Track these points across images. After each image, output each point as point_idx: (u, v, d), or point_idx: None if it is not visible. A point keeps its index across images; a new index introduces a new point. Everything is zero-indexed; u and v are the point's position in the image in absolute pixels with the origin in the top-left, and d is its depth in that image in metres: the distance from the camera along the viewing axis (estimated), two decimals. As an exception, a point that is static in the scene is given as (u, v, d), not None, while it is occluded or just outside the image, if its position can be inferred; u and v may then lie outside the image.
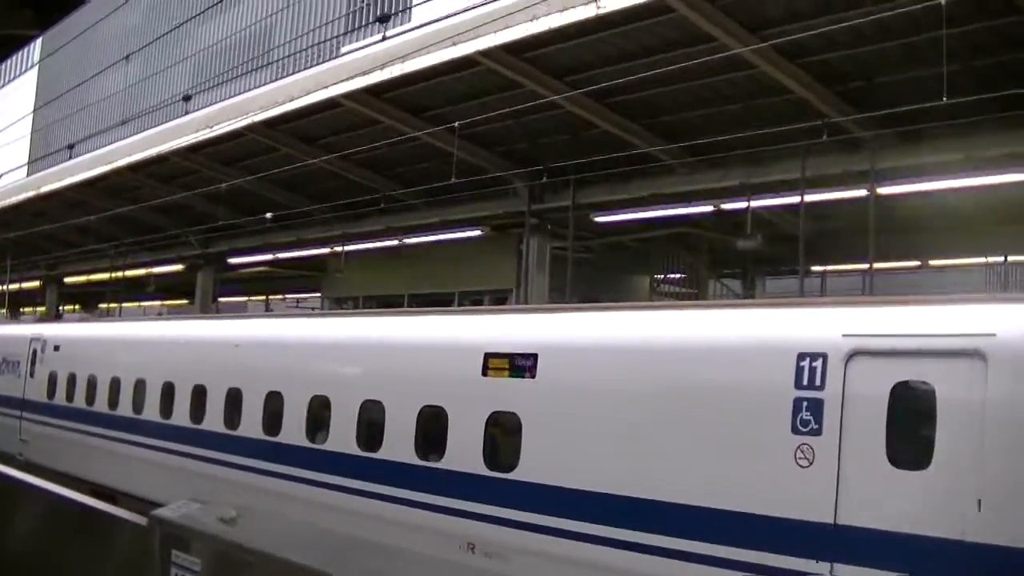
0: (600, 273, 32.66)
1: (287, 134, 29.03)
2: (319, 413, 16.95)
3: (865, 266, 26.44)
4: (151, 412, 21.80)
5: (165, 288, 48.46)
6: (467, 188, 26.54)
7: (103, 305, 52.65)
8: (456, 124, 23.28)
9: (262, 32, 57.28)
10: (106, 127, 48.44)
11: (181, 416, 20.66)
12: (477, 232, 30.68)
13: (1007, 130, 19.61)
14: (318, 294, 42.15)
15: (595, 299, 26.67)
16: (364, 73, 23.95)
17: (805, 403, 10.78)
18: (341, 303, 37.50)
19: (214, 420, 19.54)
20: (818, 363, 10.81)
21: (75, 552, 11.11)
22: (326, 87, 25.12)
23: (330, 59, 29.01)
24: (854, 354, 10.64)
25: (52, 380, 26.43)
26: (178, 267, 42.66)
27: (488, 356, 14.15)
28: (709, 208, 26.71)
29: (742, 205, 24.97)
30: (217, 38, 65.24)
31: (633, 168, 25.13)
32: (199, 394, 20.24)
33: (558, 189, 27.40)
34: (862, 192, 22.42)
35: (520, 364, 13.68)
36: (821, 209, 25.29)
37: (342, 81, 24.65)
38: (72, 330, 29.51)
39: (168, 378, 21.48)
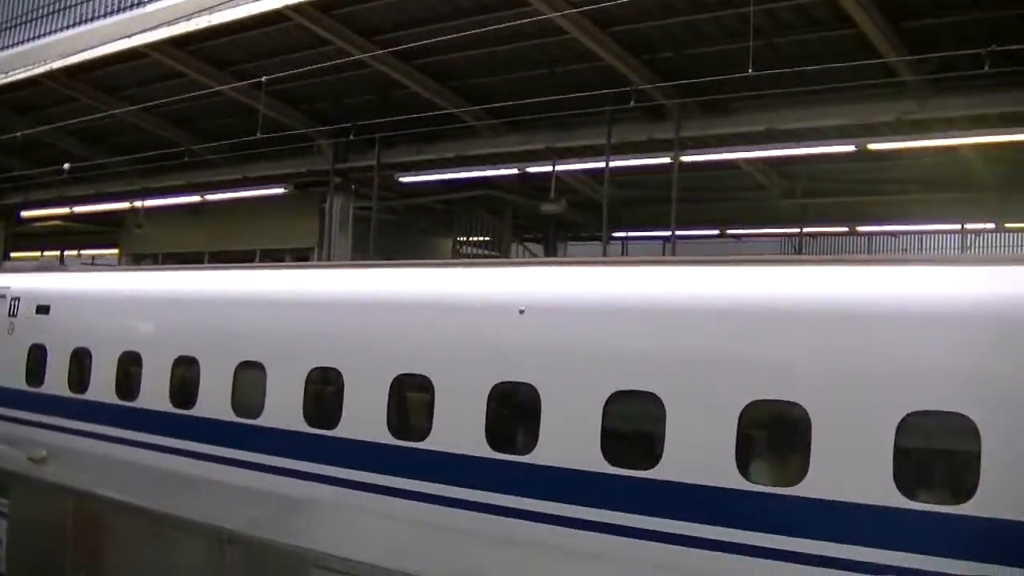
0: (403, 234, 32.57)
1: (88, 83, 28.19)
2: None
3: (666, 232, 26.91)
4: None
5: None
6: (271, 145, 26.17)
7: None
8: (263, 79, 22.93)
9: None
10: None
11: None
12: (280, 190, 30.35)
13: (808, 105, 20.17)
14: (115, 250, 41.08)
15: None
16: (169, 23, 23.48)
17: None
18: (140, 260, 36.72)
19: None
20: None
21: None
22: (129, 36, 24.51)
23: (132, 7, 28.25)
24: None
25: None
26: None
27: None
28: (514, 171, 26.89)
29: (547, 169, 25.19)
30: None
31: (438, 129, 25.17)
32: None
33: (363, 149, 27.27)
34: (666, 160, 22.83)
35: None
36: (625, 176, 25.67)
37: (147, 30, 24.09)
38: None
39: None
